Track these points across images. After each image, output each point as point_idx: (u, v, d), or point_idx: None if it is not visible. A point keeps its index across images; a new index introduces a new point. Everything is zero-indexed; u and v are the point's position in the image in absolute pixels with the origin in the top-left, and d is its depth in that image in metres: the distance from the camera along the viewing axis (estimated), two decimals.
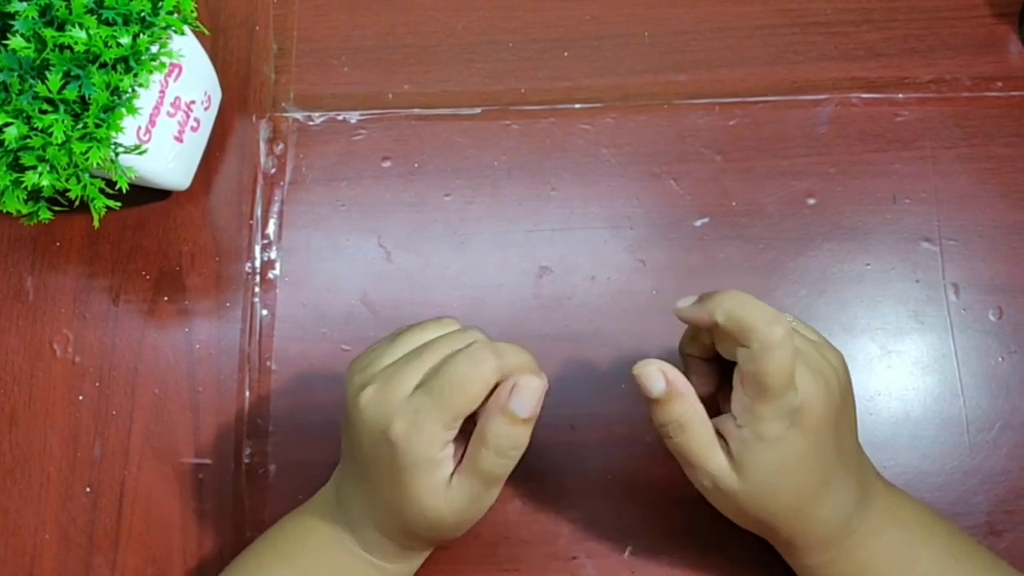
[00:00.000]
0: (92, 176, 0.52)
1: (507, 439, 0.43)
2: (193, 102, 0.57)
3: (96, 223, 0.54)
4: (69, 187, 0.51)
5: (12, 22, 0.49)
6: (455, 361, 0.43)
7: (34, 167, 0.49)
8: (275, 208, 0.60)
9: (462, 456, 0.44)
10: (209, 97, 0.59)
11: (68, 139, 0.49)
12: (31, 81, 0.48)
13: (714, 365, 0.49)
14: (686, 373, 0.46)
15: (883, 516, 0.47)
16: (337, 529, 0.48)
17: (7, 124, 0.48)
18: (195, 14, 0.54)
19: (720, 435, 0.45)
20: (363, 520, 0.47)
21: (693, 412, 0.44)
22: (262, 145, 0.62)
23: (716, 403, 0.48)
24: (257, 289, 0.59)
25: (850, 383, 0.47)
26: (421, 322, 0.48)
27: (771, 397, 0.42)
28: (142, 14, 0.51)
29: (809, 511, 0.45)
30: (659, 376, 0.44)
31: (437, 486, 0.43)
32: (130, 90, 0.50)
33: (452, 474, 0.44)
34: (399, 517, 0.45)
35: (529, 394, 0.43)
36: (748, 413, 0.43)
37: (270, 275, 0.59)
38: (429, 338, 0.46)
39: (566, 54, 0.63)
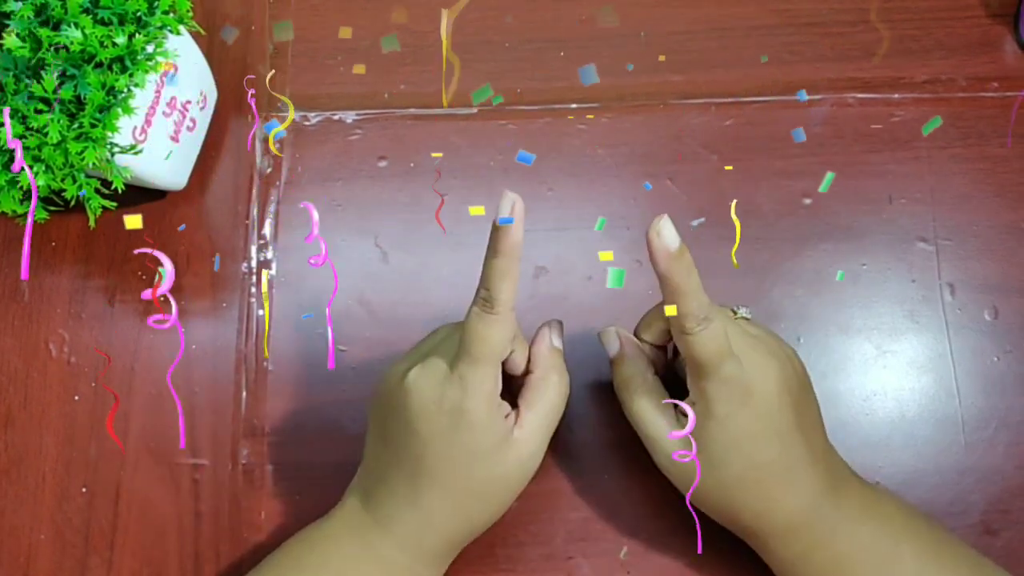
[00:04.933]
0: (88, 176, 0.52)
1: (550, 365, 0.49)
2: (189, 102, 0.56)
3: (92, 223, 0.54)
4: (65, 187, 0.51)
5: (7, 21, 0.49)
6: (467, 323, 0.46)
7: (30, 167, 0.49)
8: (271, 208, 0.60)
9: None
10: (205, 97, 0.59)
11: (64, 139, 0.49)
12: (26, 81, 0.48)
13: (665, 352, 0.52)
14: None
15: (860, 508, 0.47)
16: (365, 535, 0.47)
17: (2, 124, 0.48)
18: (191, 14, 0.54)
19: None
20: (404, 515, 0.47)
21: (641, 376, 0.49)
22: (258, 145, 0.62)
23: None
24: (253, 289, 0.59)
25: (808, 379, 0.49)
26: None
27: (706, 373, 0.45)
28: (138, 14, 0.51)
29: (774, 492, 0.46)
30: (615, 338, 0.50)
31: (505, 436, 0.46)
32: (126, 90, 0.50)
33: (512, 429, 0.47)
34: (463, 485, 0.46)
35: (556, 328, 0.50)
36: (697, 391, 0.46)
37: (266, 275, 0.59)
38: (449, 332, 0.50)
39: (562, 54, 0.63)
